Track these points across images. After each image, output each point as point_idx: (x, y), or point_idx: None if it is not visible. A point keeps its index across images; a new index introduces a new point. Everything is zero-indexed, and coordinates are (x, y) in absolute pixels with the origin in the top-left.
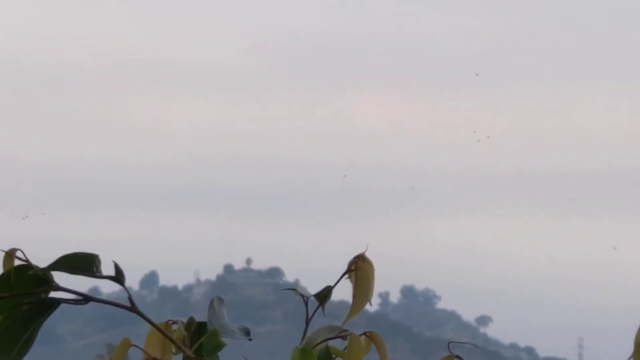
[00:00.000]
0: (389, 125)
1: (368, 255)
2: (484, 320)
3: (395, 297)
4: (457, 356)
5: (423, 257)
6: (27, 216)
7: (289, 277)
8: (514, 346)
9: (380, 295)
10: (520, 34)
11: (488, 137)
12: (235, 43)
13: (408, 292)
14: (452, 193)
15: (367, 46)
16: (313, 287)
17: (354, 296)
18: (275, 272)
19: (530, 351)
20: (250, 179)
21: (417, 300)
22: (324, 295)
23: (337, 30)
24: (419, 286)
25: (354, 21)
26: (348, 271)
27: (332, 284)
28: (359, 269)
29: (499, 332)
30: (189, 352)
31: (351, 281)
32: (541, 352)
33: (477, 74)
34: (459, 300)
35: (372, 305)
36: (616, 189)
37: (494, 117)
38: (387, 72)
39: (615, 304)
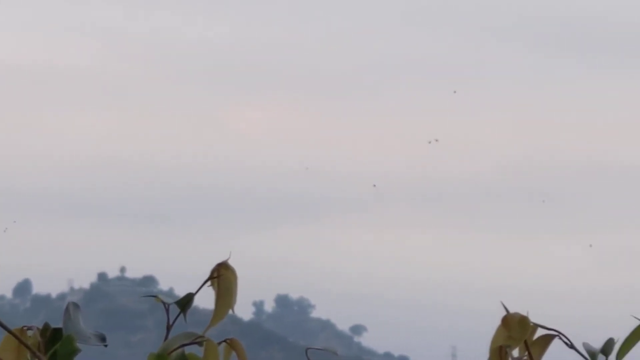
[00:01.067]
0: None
1: (232, 263)
2: (358, 329)
3: (269, 306)
4: None
5: (297, 265)
6: None
7: (164, 286)
8: (388, 355)
9: (255, 304)
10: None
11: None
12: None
13: (282, 301)
14: (328, 201)
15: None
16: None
17: (216, 303)
18: (149, 280)
19: (403, 359)
20: (124, 185)
21: (291, 309)
22: (185, 302)
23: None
24: (294, 295)
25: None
26: (210, 278)
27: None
28: (222, 277)
29: (373, 341)
30: (44, 358)
31: (214, 289)
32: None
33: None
34: (334, 309)
35: (246, 314)
36: (480, 195)
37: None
38: (266, 79)
39: (487, 307)
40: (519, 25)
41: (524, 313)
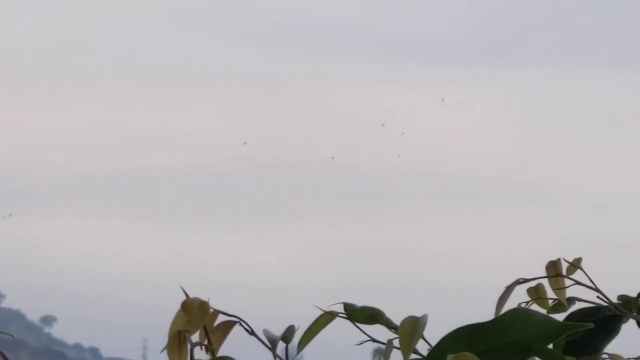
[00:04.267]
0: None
1: None
2: (48, 320)
3: None
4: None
5: None
6: None
7: None
8: (78, 346)
9: None
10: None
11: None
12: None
13: None
14: (19, 192)
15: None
16: None
17: None
18: None
19: (94, 351)
20: None
21: None
22: None
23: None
24: None
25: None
26: None
27: None
28: None
29: (64, 332)
30: None
31: None
32: (105, 352)
33: None
34: (24, 299)
35: None
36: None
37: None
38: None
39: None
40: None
41: (204, 299)
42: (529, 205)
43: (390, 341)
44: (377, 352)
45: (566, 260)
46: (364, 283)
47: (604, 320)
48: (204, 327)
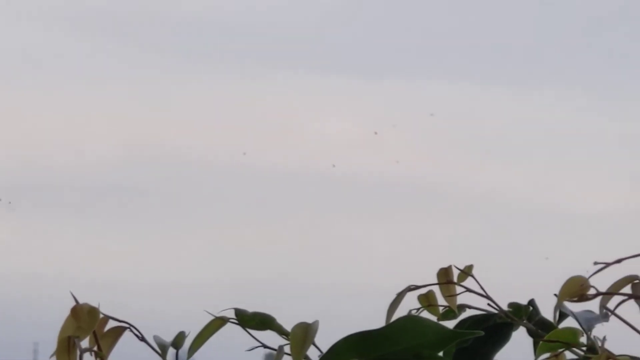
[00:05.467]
0: None
1: None
2: None
3: None
4: None
5: None
6: None
7: None
8: None
9: None
10: None
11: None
12: None
13: None
14: None
15: None
16: None
17: None
18: None
19: None
20: None
21: None
22: None
23: None
24: None
25: None
26: None
27: None
28: None
29: None
30: None
31: None
32: None
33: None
34: None
35: None
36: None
37: None
38: None
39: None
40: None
41: (94, 304)
42: (429, 212)
43: (281, 347)
44: (268, 358)
45: (457, 268)
46: (261, 287)
47: (495, 327)
48: (94, 332)
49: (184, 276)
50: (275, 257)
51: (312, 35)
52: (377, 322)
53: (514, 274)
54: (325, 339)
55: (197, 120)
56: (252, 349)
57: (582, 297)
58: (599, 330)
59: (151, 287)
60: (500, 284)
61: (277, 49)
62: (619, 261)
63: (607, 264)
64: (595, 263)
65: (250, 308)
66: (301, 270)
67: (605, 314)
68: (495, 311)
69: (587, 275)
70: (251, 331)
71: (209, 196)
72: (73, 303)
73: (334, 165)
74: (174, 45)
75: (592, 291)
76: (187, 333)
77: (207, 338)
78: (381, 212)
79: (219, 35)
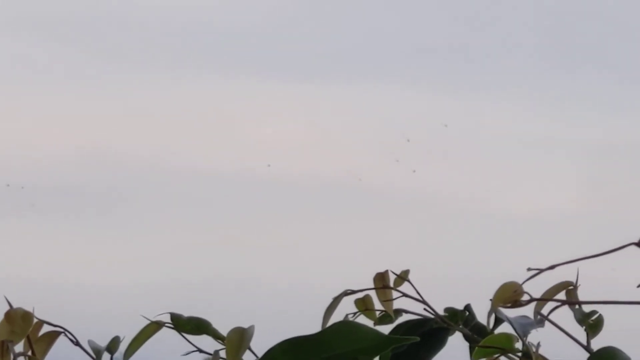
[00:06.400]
0: None
1: None
2: None
3: None
4: None
5: None
6: None
7: None
8: None
9: None
10: None
11: None
12: None
13: None
14: None
15: None
16: None
17: None
18: None
19: None
20: None
21: None
22: None
23: None
24: None
25: None
26: None
27: None
28: None
29: None
30: None
31: None
32: None
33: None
34: None
35: None
36: None
37: None
38: None
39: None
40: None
41: (29, 308)
42: (367, 215)
43: (216, 352)
44: None
45: (394, 272)
46: (196, 290)
47: (431, 332)
48: (28, 337)
49: (119, 279)
50: (212, 260)
51: (248, 36)
52: (314, 326)
53: (451, 279)
54: (262, 343)
55: (133, 122)
56: (188, 353)
57: (516, 303)
58: (534, 336)
59: (86, 290)
60: (437, 288)
61: (215, 50)
62: (552, 267)
63: (541, 270)
64: (529, 269)
65: (187, 311)
66: (237, 273)
67: (540, 320)
68: (432, 316)
69: (521, 281)
70: (187, 336)
71: (145, 198)
72: (7, 307)
73: (269, 165)
74: (107, 46)
75: (525, 297)
76: (122, 337)
77: (143, 343)
78: (319, 215)
79: (159, 36)
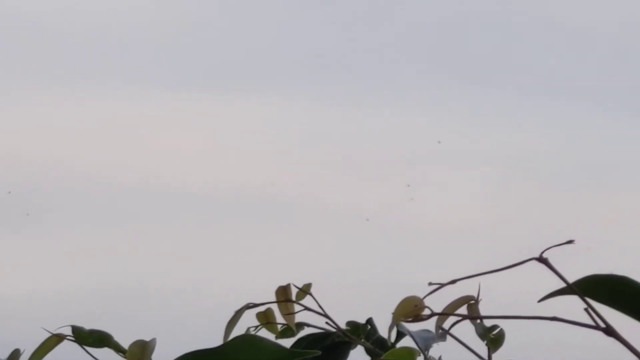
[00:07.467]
0: None
1: None
2: None
3: None
4: None
5: None
6: None
7: None
8: None
9: None
10: None
11: None
12: None
13: None
14: None
15: None
16: None
17: None
18: None
19: None
20: None
21: None
22: None
23: None
24: None
25: None
26: None
27: None
28: None
29: None
30: None
31: None
32: None
33: None
34: None
35: None
36: None
37: None
38: None
39: None
40: None
41: None
42: (270, 227)
43: None
44: None
45: (296, 286)
46: (103, 300)
47: (332, 346)
48: None
49: (20, 288)
50: (115, 269)
51: (146, 45)
52: (218, 338)
53: (353, 293)
54: (164, 356)
55: (47, 133)
56: None
57: (417, 318)
58: (435, 350)
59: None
60: (339, 302)
61: (114, 59)
62: (453, 282)
63: (442, 285)
64: (430, 284)
65: (91, 321)
66: (141, 283)
67: (441, 334)
68: (334, 330)
69: (424, 295)
70: (89, 349)
71: (58, 207)
72: None
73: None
74: (18, 53)
75: (427, 311)
76: (22, 350)
77: (43, 356)
78: (221, 226)
79: (59, 43)
